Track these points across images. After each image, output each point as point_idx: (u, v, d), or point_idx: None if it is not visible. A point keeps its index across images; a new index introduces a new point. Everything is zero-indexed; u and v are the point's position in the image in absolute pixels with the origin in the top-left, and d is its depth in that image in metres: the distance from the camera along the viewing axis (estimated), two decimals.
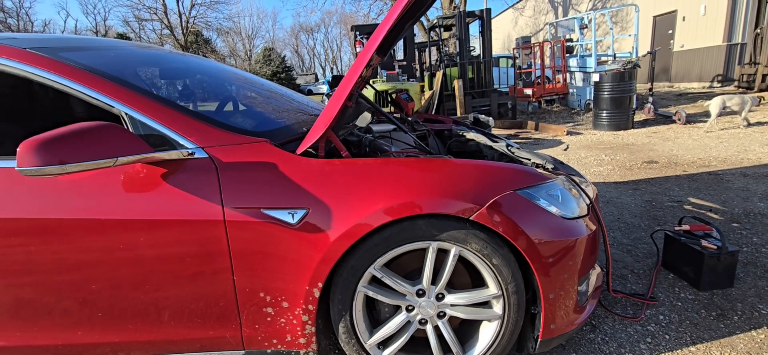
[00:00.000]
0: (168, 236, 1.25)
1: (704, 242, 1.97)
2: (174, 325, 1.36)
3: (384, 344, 1.44)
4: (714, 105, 5.61)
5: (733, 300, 1.87)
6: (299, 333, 1.37)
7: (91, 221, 1.23)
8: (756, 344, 1.59)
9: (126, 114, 1.28)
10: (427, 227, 1.29)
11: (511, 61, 11.07)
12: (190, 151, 1.25)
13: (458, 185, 1.29)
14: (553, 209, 1.38)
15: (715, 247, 1.93)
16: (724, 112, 5.74)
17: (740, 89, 9.87)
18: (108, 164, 1.11)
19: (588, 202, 1.54)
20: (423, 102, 8.19)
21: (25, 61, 1.28)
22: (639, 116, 7.24)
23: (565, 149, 3.29)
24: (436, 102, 7.72)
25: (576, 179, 1.68)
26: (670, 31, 13.17)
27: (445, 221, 1.29)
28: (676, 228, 2.15)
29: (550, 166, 1.71)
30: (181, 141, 1.27)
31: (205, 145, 1.28)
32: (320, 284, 1.30)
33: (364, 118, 1.77)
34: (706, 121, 6.57)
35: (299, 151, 1.33)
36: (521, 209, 1.31)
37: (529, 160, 1.81)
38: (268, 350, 1.42)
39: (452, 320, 1.47)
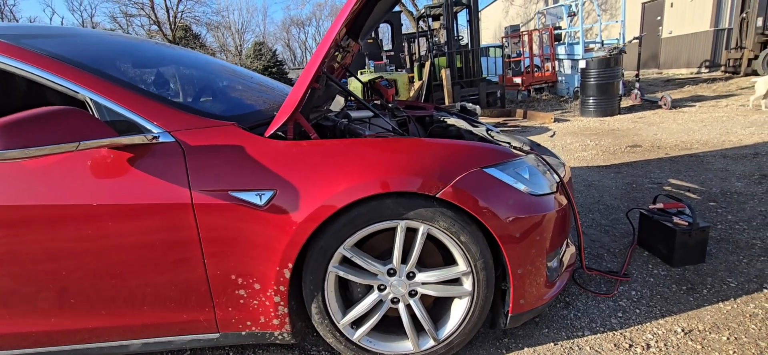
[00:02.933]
0: (136, 221, 1.25)
1: (676, 219, 2.01)
2: (147, 309, 1.36)
3: (357, 323, 1.46)
4: (761, 84, 5.72)
5: (704, 275, 1.92)
6: (272, 314, 1.39)
7: (59, 207, 1.23)
8: (722, 314, 1.64)
9: (90, 99, 1.28)
10: (395, 205, 1.31)
11: (500, 51, 11.07)
12: (155, 135, 1.25)
13: (424, 163, 1.31)
14: (521, 186, 1.40)
15: (687, 223, 1.97)
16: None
17: (727, 74, 9.98)
18: (70, 149, 1.11)
19: (558, 180, 1.57)
20: (412, 93, 8.18)
21: None
22: (626, 102, 7.30)
23: (552, 136, 3.32)
24: (424, 92, 7.72)
25: (551, 160, 1.70)
26: (659, 18, 13.24)
27: (412, 200, 1.31)
28: (650, 207, 2.19)
29: (526, 148, 1.74)
30: (147, 125, 1.27)
31: (172, 129, 1.28)
32: (290, 265, 1.31)
33: (338, 103, 1.77)
34: (693, 106, 6.65)
35: (267, 134, 1.34)
36: (487, 186, 1.33)
37: (508, 143, 1.84)
38: (243, 332, 1.43)
39: (425, 298, 1.49)
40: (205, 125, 1.31)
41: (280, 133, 1.38)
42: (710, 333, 1.54)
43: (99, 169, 1.25)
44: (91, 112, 1.27)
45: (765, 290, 1.75)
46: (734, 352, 1.44)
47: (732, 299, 1.72)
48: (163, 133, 1.27)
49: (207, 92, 1.84)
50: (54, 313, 1.35)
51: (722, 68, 10.33)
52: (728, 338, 1.50)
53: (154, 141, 1.26)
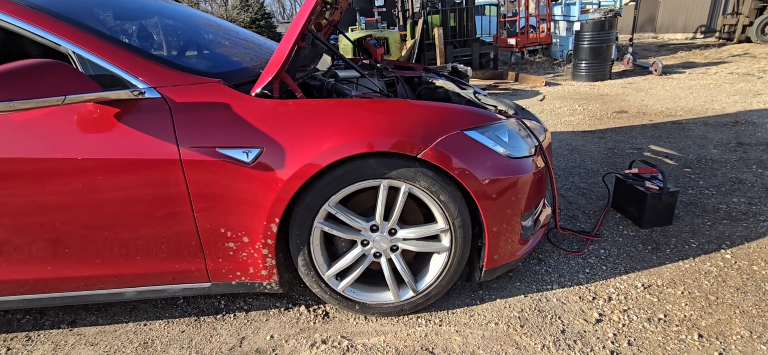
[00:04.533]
0: (125, 176, 1.29)
1: (648, 183, 2.11)
2: (140, 259, 1.43)
3: (341, 275, 1.56)
4: None
5: (669, 236, 2.04)
6: (261, 266, 1.47)
7: (46, 160, 1.26)
8: (681, 271, 1.77)
9: (74, 53, 1.27)
10: (378, 165, 1.36)
11: (495, 9, 10.80)
12: (141, 90, 1.27)
13: (407, 124, 1.35)
14: (500, 149, 1.45)
15: (658, 188, 2.07)
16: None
17: (720, 40, 9.94)
18: (56, 103, 1.13)
19: (536, 144, 1.63)
20: (404, 52, 8.04)
21: None
22: (618, 67, 7.30)
23: (542, 100, 3.35)
24: (415, 52, 7.59)
25: (532, 124, 1.75)
26: None
27: (394, 160, 1.36)
28: (626, 171, 2.28)
29: (511, 112, 1.78)
30: (132, 81, 1.28)
31: (157, 85, 1.29)
32: (277, 220, 1.37)
33: (325, 62, 1.77)
34: (683, 72, 6.68)
35: (253, 92, 1.36)
36: (467, 148, 1.39)
37: (494, 106, 1.88)
38: (233, 282, 1.52)
39: (405, 253, 1.58)
40: (190, 82, 1.32)
41: (266, 91, 1.40)
42: (667, 288, 1.67)
43: (85, 124, 1.27)
44: (74, 66, 1.27)
45: (722, 251, 1.89)
46: (686, 304, 1.57)
47: (691, 258, 1.85)
48: (149, 89, 1.28)
49: (192, 47, 1.82)
50: (49, 262, 1.41)
51: (717, 34, 10.28)
52: (682, 292, 1.64)
53: (139, 97, 1.27)
